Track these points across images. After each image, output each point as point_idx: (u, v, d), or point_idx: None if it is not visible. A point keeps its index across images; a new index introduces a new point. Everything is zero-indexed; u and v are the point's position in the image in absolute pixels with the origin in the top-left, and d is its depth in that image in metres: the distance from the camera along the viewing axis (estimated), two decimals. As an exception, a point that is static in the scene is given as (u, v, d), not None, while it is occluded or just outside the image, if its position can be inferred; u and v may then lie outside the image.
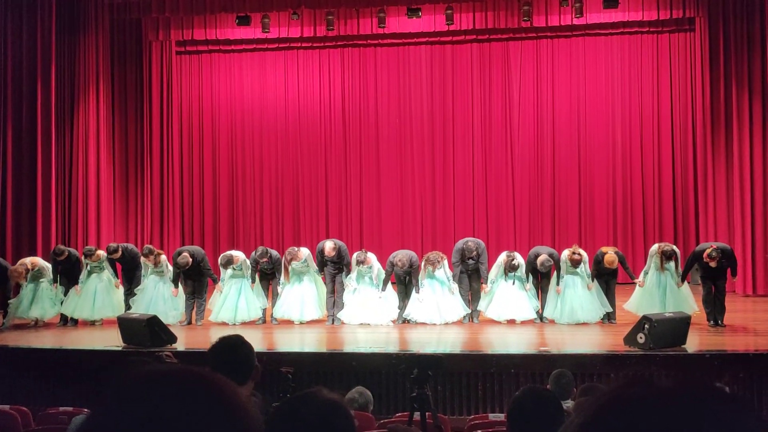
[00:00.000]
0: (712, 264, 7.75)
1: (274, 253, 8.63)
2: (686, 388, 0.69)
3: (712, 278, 7.90)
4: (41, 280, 8.70)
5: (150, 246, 8.93)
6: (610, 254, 8.10)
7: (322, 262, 8.40)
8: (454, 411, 6.49)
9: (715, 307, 7.89)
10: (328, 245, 8.35)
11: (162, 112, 12.10)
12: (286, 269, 8.26)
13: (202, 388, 0.73)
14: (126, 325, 7.15)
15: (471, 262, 8.34)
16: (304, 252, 8.42)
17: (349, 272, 8.33)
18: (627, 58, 11.53)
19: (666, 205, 11.45)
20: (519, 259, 8.23)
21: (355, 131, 12.14)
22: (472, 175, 11.92)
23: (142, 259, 8.61)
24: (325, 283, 8.53)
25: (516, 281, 8.22)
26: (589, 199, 11.68)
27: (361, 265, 8.22)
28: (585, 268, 8.19)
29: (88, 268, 8.72)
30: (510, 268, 8.16)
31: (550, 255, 8.18)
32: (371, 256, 8.35)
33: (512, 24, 11.16)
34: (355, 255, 8.32)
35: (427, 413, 3.25)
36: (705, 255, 7.80)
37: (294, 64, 12.20)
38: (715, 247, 7.93)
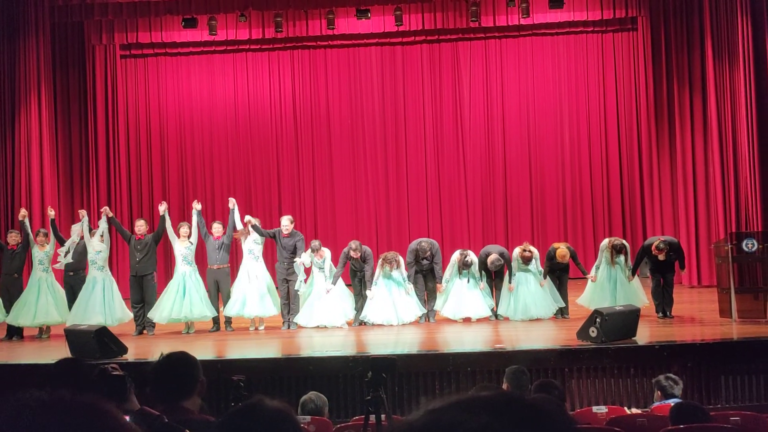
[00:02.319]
0: (661, 256, 7.97)
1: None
2: (495, 408, 0.71)
3: (661, 271, 8.11)
4: None
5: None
6: (562, 249, 8.24)
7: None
8: (411, 411, 6.49)
9: (663, 300, 8.11)
10: (285, 219, 8.34)
11: (107, 116, 11.80)
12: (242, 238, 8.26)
13: (80, 417, 0.71)
14: (74, 337, 6.95)
15: (425, 262, 8.37)
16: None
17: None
18: (573, 57, 11.76)
19: (614, 200, 11.71)
20: (472, 257, 8.30)
21: (307, 133, 12.07)
22: (425, 175, 11.98)
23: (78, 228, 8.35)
24: (277, 287, 8.44)
25: (470, 279, 8.28)
26: (540, 196, 11.87)
27: (315, 255, 8.13)
28: (536, 264, 8.31)
29: (33, 272, 8.46)
30: (463, 266, 8.22)
31: (501, 254, 8.27)
32: (326, 251, 8.29)
33: (461, 24, 11.26)
34: (311, 243, 8.27)
35: (382, 415, 3.23)
36: (653, 248, 8.01)
37: (243, 66, 12.06)
38: (662, 239, 8.16)
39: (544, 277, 8.26)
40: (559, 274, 8.42)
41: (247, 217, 8.38)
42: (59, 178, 11.38)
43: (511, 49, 11.82)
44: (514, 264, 8.28)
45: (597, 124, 11.73)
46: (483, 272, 8.35)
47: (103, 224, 8.36)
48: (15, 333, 8.48)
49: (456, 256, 8.36)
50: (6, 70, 10.83)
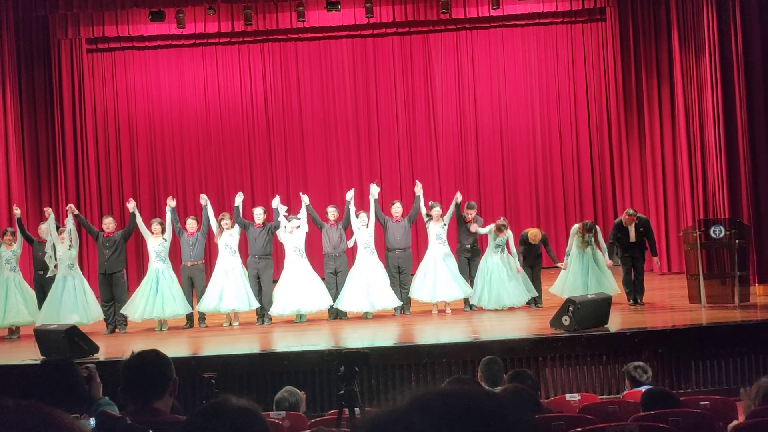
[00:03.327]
0: (630, 224, 8.11)
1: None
2: (430, 414, 0.73)
3: (632, 258, 8.22)
4: None
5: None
6: (533, 230, 8.38)
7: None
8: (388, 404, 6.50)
9: (634, 288, 8.23)
10: (258, 210, 8.32)
11: (74, 112, 11.59)
12: (219, 233, 8.26)
13: (25, 423, 0.69)
14: (43, 336, 6.84)
15: (399, 252, 8.41)
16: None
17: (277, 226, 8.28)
18: (543, 48, 11.83)
19: (585, 188, 11.84)
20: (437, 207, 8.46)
21: (279, 127, 11.99)
22: (398, 167, 11.98)
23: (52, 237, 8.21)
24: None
25: (446, 260, 8.27)
26: (512, 185, 11.95)
27: (289, 218, 8.13)
28: (512, 247, 8.36)
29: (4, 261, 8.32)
30: (430, 206, 8.30)
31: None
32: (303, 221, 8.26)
33: (431, 16, 11.25)
34: (283, 207, 8.25)
35: (356, 409, 3.23)
36: (623, 215, 8.22)
37: (213, 60, 11.92)
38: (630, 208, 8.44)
39: (521, 263, 8.32)
40: (532, 263, 8.49)
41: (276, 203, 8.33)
42: (26, 176, 11.16)
43: (482, 41, 11.86)
44: (489, 236, 8.33)
45: (568, 113, 11.84)
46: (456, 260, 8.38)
47: (69, 223, 8.22)
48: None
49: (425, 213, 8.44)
50: (-31, 66, 10.57)
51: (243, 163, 11.97)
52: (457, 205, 8.51)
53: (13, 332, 8.42)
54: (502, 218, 8.57)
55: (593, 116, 11.78)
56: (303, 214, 8.33)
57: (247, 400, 1.56)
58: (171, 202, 8.37)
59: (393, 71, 11.91)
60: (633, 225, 8.21)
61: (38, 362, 6.66)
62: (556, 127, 11.86)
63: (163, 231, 8.27)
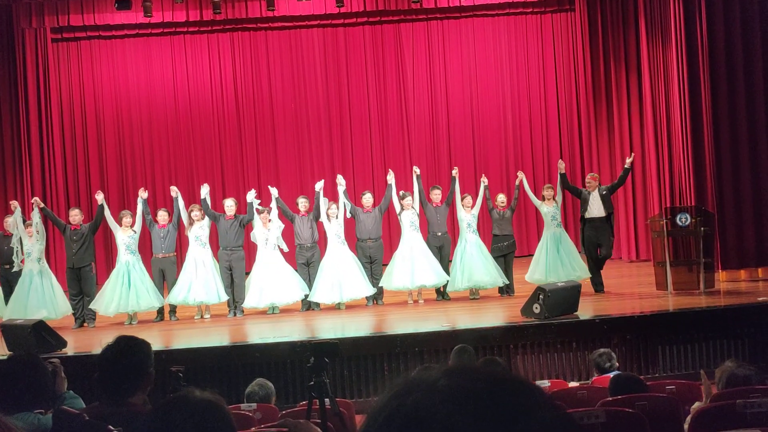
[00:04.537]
0: (593, 185, 8.39)
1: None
2: (463, 383, 0.69)
3: (596, 245, 8.31)
4: None
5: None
6: (500, 195, 8.59)
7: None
8: (361, 394, 6.53)
9: (596, 274, 8.33)
10: (228, 201, 8.27)
11: (39, 102, 11.35)
12: (190, 225, 8.22)
13: None
14: (10, 331, 6.73)
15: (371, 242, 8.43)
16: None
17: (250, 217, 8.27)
18: (513, 37, 11.89)
19: (555, 176, 11.88)
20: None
21: (250, 117, 11.88)
22: (370, 157, 11.97)
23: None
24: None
25: (420, 246, 8.30)
26: (484, 173, 11.98)
27: (261, 222, 8.12)
28: (476, 213, 8.51)
29: None
30: (401, 197, 8.38)
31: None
32: (273, 219, 8.24)
33: (402, 6, 11.24)
34: (257, 201, 8.20)
35: (326, 400, 3.23)
36: (586, 179, 8.56)
37: (181, 49, 11.76)
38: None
39: (492, 255, 8.38)
40: (505, 251, 8.55)
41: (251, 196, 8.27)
42: (-10, 168, 10.92)
43: (453, 31, 11.87)
44: (462, 222, 8.44)
45: (538, 102, 11.92)
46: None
47: (35, 216, 8.07)
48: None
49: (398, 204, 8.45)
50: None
51: (213, 153, 11.85)
52: (418, 178, 8.54)
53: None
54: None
55: (563, 105, 11.88)
56: (273, 206, 8.29)
57: (211, 392, 1.55)
58: (143, 194, 8.27)
59: (364, 61, 11.87)
60: (596, 191, 8.32)
61: (4, 357, 6.55)
62: (527, 116, 11.94)
63: (132, 224, 8.16)
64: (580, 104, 11.69)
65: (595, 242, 8.36)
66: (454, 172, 8.69)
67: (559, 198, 8.63)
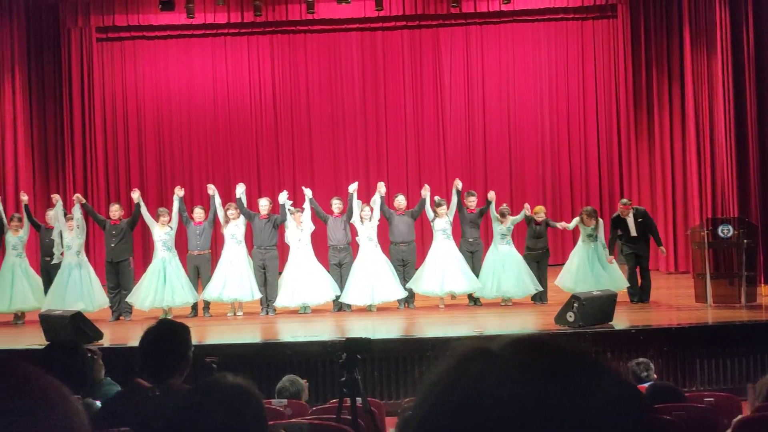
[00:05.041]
0: (627, 214, 8.07)
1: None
2: (529, 353, 0.68)
3: (636, 256, 8.16)
4: None
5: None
6: (538, 206, 8.40)
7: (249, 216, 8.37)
8: (391, 395, 6.50)
9: (641, 287, 8.17)
10: (263, 200, 8.29)
11: (83, 101, 11.60)
12: (226, 223, 8.29)
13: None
14: (49, 322, 6.86)
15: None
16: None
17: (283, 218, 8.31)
18: (553, 44, 11.77)
19: (592, 186, 11.78)
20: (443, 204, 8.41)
21: (287, 118, 11.97)
22: (405, 161, 11.95)
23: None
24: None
25: (453, 252, 8.24)
26: (519, 182, 11.90)
27: (295, 216, 8.13)
28: (510, 226, 8.38)
29: (7, 256, 8.34)
30: (436, 204, 8.22)
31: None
32: (306, 215, 8.26)
33: (441, 10, 11.22)
34: (289, 202, 8.26)
35: (357, 398, 3.21)
36: (619, 206, 8.22)
37: (222, 50, 11.91)
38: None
39: (526, 260, 8.29)
40: (538, 258, 8.45)
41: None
42: (34, 163, 11.20)
43: (492, 35, 11.81)
44: (496, 231, 8.39)
45: (576, 110, 11.78)
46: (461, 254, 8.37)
47: (76, 211, 8.25)
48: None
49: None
50: (-22, 53, 10.61)
51: (250, 154, 11.96)
52: (458, 192, 8.48)
53: (19, 318, 8.45)
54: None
55: (602, 113, 11.71)
56: (306, 207, 8.32)
57: (243, 378, 1.55)
58: (179, 192, 8.39)
59: (402, 65, 11.87)
60: (631, 216, 8.18)
61: (42, 347, 6.69)
62: (565, 124, 11.80)
63: (169, 220, 8.28)
64: (620, 113, 11.51)
65: (633, 253, 8.22)
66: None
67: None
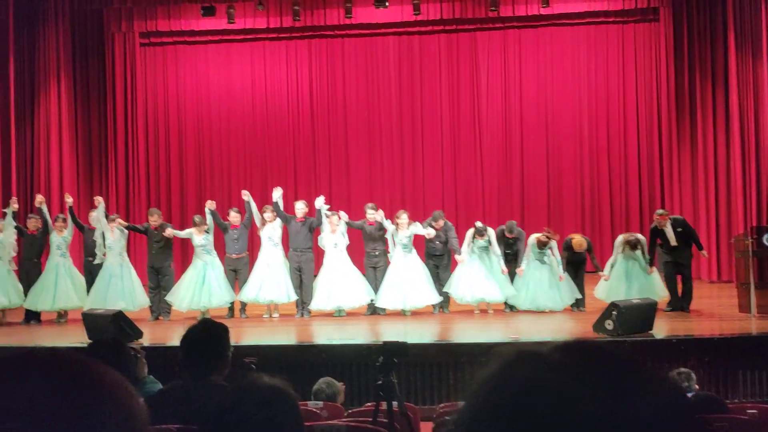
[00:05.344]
0: (664, 224, 7.90)
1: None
2: (578, 358, 0.68)
3: (676, 264, 8.00)
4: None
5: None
6: (578, 238, 8.21)
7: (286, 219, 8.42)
8: (425, 401, 6.48)
9: (683, 296, 8.01)
10: (299, 204, 8.35)
11: (126, 104, 11.87)
12: (262, 226, 8.38)
13: (58, 369, 0.69)
14: (91, 320, 7.02)
15: (438, 243, 8.35)
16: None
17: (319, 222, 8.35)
18: (593, 48, 11.62)
19: (632, 193, 11.58)
20: (489, 231, 8.27)
21: (324, 122, 12.05)
22: (441, 166, 11.92)
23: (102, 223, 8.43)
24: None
25: (486, 261, 8.19)
26: (557, 188, 11.77)
27: (331, 220, 8.15)
28: (555, 253, 8.21)
29: (51, 256, 8.57)
30: (478, 235, 8.16)
31: (518, 231, 8.31)
32: (343, 215, 8.27)
33: (479, 14, 11.18)
34: (327, 206, 8.28)
35: (393, 402, 3.21)
36: (654, 217, 8.02)
37: (261, 55, 12.06)
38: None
39: (564, 270, 8.18)
40: (576, 265, 8.34)
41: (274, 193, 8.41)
42: (78, 165, 11.48)
43: (530, 40, 11.72)
44: (529, 248, 8.22)
45: (616, 116, 11.60)
46: (502, 246, 8.29)
47: (119, 219, 8.54)
48: (33, 317, 8.58)
49: (470, 230, 8.32)
50: (26, 59, 10.92)
51: (287, 157, 12.07)
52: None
53: (62, 316, 8.66)
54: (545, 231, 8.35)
55: (643, 119, 11.52)
56: (343, 230, 8.34)
57: (279, 379, 1.56)
58: (211, 206, 8.48)
59: (438, 70, 11.86)
60: (669, 225, 8.01)
61: (85, 345, 6.84)
62: (604, 130, 11.63)
63: (205, 228, 8.40)
64: (661, 119, 11.30)
65: (673, 261, 8.05)
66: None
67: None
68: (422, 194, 11.98)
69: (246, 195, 8.57)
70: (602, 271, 8.38)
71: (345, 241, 8.33)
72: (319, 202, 8.38)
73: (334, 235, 8.29)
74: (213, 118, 12.15)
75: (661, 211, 8.22)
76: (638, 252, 8.17)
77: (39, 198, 8.85)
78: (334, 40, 11.95)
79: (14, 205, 8.76)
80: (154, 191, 12.07)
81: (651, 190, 11.48)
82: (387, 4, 10.74)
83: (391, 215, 11.81)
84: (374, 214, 8.34)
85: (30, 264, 8.77)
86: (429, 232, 8.25)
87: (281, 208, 8.46)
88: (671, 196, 11.05)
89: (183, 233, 8.56)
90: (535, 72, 11.71)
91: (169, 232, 8.49)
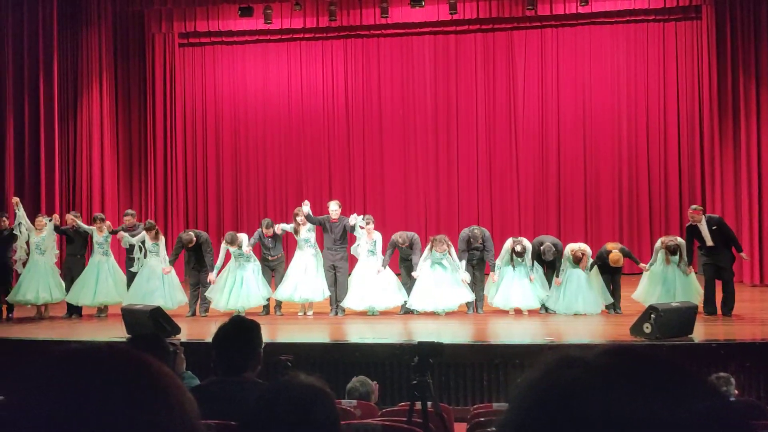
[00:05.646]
0: (698, 220, 7.71)
1: (278, 230, 8.58)
2: (623, 363, 0.68)
3: (715, 267, 7.81)
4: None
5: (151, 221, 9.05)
6: (615, 253, 8.02)
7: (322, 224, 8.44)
8: (459, 401, 6.45)
9: (723, 300, 7.82)
10: (333, 204, 8.35)
11: (165, 104, 12.07)
12: (296, 231, 8.38)
13: (117, 364, 0.70)
14: (130, 315, 7.15)
15: (476, 252, 8.32)
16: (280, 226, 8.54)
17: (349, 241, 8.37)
18: (633, 47, 11.42)
19: (672, 196, 11.36)
20: (525, 243, 8.19)
21: (359, 122, 12.09)
22: (476, 166, 11.86)
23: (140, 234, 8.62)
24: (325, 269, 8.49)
25: (521, 269, 8.16)
26: (594, 190, 11.60)
27: (366, 235, 8.17)
28: (588, 265, 8.14)
29: (93, 253, 8.78)
30: (516, 254, 8.12)
31: (554, 244, 8.17)
32: (377, 234, 8.31)
33: (516, 13, 11.08)
34: (361, 217, 8.30)
35: (428, 402, 3.21)
36: (689, 212, 7.84)
37: (297, 55, 12.15)
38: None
39: (589, 270, 8.08)
40: (612, 270, 8.21)
41: (301, 208, 8.45)
42: (119, 164, 11.71)
43: (568, 39, 11.57)
44: (564, 260, 8.15)
45: (656, 117, 11.39)
46: (535, 262, 8.24)
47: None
48: (74, 311, 8.80)
49: (509, 243, 8.26)
50: (69, 59, 11.18)
51: (322, 157, 12.14)
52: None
53: (102, 311, 8.86)
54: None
55: (684, 120, 11.28)
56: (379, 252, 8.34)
57: (316, 378, 1.57)
58: (245, 249, 8.42)
59: (474, 69, 11.79)
60: (704, 223, 7.81)
61: (124, 339, 6.97)
62: (644, 131, 11.43)
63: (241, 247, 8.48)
64: (703, 119, 11.06)
65: (712, 264, 7.87)
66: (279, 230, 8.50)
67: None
68: (456, 195, 11.94)
69: (279, 229, 8.56)
70: (643, 264, 8.24)
71: (379, 246, 8.34)
72: (354, 219, 8.36)
73: (370, 240, 8.31)
74: (249, 118, 12.28)
75: (695, 206, 8.00)
76: (676, 257, 7.99)
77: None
78: (369, 40, 11.97)
79: (56, 221, 9.01)
80: (191, 188, 12.24)
81: (692, 193, 11.24)
82: (423, 3, 10.72)
83: (427, 215, 11.85)
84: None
85: (73, 260, 9.00)
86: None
87: (313, 216, 8.48)
88: (713, 199, 10.80)
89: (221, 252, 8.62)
90: (573, 72, 11.56)
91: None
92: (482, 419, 3.69)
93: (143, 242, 8.62)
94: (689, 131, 11.25)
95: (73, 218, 8.97)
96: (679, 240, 8.15)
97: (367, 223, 8.27)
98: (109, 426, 0.65)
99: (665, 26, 11.30)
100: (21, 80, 10.67)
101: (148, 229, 8.58)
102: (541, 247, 8.12)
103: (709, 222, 7.87)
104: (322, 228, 8.55)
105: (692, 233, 7.94)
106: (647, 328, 6.56)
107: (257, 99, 12.26)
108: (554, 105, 11.66)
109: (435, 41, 11.86)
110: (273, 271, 8.64)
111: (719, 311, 7.78)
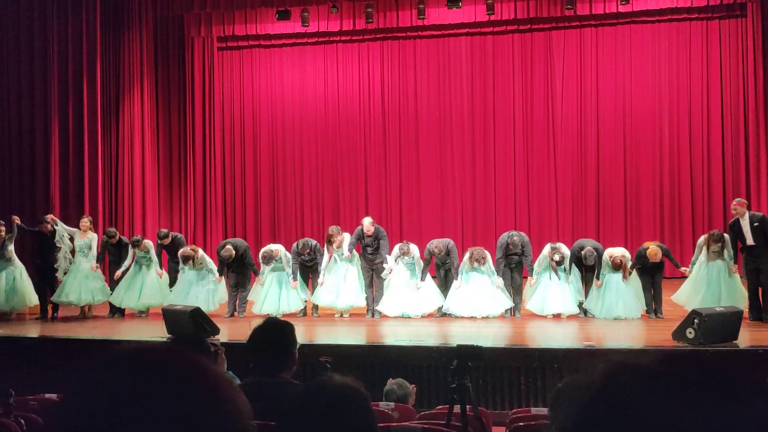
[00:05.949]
0: (741, 214, 7.55)
1: (314, 243, 8.66)
2: (677, 370, 0.67)
3: (756, 269, 7.60)
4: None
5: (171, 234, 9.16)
6: (653, 247, 7.90)
7: (360, 240, 8.40)
8: (496, 405, 6.39)
9: (764, 305, 7.61)
10: (367, 221, 8.38)
11: (204, 107, 12.24)
12: (330, 251, 8.35)
13: (174, 364, 0.70)
14: (170, 316, 7.25)
15: (515, 257, 8.25)
16: (345, 236, 8.47)
17: (384, 258, 8.33)
18: (675, 46, 11.20)
19: (716, 198, 11.09)
20: (564, 250, 8.09)
21: (395, 124, 12.09)
22: (513, 168, 11.75)
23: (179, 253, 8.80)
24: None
25: (559, 274, 8.08)
26: (634, 192, 11.40)
27: (404, 257, 8.21)
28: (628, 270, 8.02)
29: (136, 258, 8.95)
30: (554, 263, 8.04)
31: (595, 248, 8.05)
32: (413, 248, 8.33)
33: (555, 13, 10.96)
34: (397, 246, 8.32)
35: (467, 405, 3.18)
36: (732, 205, 7.69)
37: (334, 57, 12.20)
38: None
39: (630, 272, 7.94)
40: (653, 272, 8.06)
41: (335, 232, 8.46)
42: (159, 167, 11.91)
43: (608, 38, 11.40)
44: (603, 264, 8.03)
45: (699, 117, 11.14)
46: (573, 265, 8.14)
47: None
48: (117, 311, 8.99)
49: (546, 250, 8.18)
50: (111, 63, 11.40)
51: (358, 159, 12.17)
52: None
53: (143, 311, 9.02)
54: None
55: (728, 119, 11.01)
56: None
57: (352, 379, 1.57)
58: (293, 283, 8.46)
59: (512, 70, 11.69)
60: (746, 218, 7.60)
61: (164, 339, 7.08)
62: (686, 131, 11.19)
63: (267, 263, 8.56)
64: (748, 118, 10.79)
65: (755, 267, 7.66)
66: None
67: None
68: (493, 198, 11.85)
69: (322, 279, 8.48)
70: (684, 267, 8.08)
71: (417, 259, 8.35)
72: (391, 262, 8.30)
73: (408, 259, 8.32)
74: (286, 121, 12.38)
75: (739, 198, 7.80)
76: (719, 246, 7.79)
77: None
78: (406, 42, 11.96)
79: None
80: (230, 190, 12.39)
81: (736, 193, 10.95)
82: (460, 4, 10.67)
83: (463, 218, 11.77)
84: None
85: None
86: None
87: (350, 242, 8.46)
88: (758, 199, 10.52)
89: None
90: (613, 72, 11.38)
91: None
92: (521, 424, 3.65)
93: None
94: (734, 131, 10.98)
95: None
96: (723, 233, 7.98)
97: (404, 253, 8.23)
98: (167, 424, 0.66)
99: (709, 24, 11.06)
100: (66, 85, 10.93)
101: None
102: (582, 252, 8.01)
103: (752, 219, 7.67)
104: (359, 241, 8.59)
105: (734, 232, 7.76)
106: (690, 333, 6.41)
107: (294, 102, 12.35)
108: (593, 106, 11.50)
109: (472, 42, 11.79)
110: (309, 271, 8.68)
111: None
